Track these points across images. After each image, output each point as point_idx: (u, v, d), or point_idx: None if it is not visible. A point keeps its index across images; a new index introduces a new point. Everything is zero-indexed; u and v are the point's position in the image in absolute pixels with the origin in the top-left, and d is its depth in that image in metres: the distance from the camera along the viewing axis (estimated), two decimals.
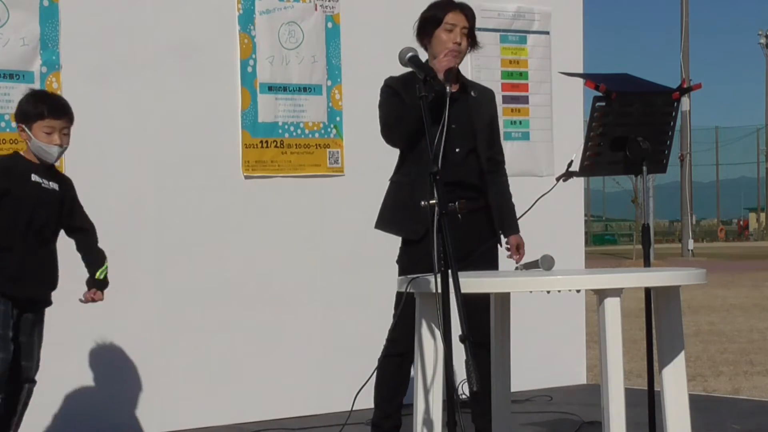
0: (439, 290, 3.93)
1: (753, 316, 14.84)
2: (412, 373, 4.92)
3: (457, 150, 5.32)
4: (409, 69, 4.80)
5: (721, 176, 78.17)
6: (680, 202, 40.46)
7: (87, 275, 5.19)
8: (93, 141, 6.56)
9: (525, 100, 8.11)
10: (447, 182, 5.24)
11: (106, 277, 5.18)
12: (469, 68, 7.53)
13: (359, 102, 7.36)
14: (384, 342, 5.16)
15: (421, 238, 5.10)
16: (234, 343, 7.01)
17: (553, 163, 7.95)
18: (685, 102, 35.14)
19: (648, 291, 5.04)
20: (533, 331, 7.73)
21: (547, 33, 8.20)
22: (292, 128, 7.21)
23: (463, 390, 6.72)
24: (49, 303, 5.19)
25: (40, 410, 5.82)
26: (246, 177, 7.09)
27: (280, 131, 7.18)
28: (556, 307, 7.71)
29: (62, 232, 5.21)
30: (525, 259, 4.92)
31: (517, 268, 4.82)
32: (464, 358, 3.73)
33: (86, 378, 6.56)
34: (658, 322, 4.48)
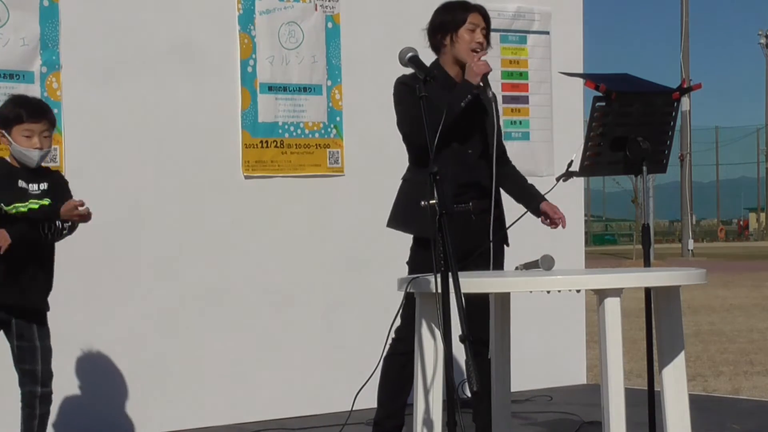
0: (439, 290, 3.93)
1: (753, 316, 14.84)
2: None
3: (469, 151, 5.35)
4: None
5: (721, 176, 78.26)
6: (680, 202, 40.47)
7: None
8: (93, 141, 6.57)
9: (525, 100, 8.11)
10: (462, 183, 5.30)
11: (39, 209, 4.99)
12: None
13: (359, 102, 7.37)
14: (385, 341, 5.15)
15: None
16: (234, 343, 7.01)
17: (553, 163, 7.95)
18: (685, 102, 35.14)
19: (648, 291, 5.04)
20: (533, 331, 7.73)
21: (547, 33, 8.20)
22: (292, 128, 7.21)
23: (463, 390, 6.74)
24: (44, 308, 5.12)
25: None
26: (246, 177, 7.08)
27: (280, 131, 7.18)
28: (556, 307, 7.72)
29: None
30: (525, 259, 4.91)
31: (517, 268, 4.81)
32: (464, 358, 3.73)
33: (86, 378, 6.55)
34: (658, 322, 4.48)
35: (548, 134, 8.14)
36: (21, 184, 5.00)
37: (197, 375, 6.90)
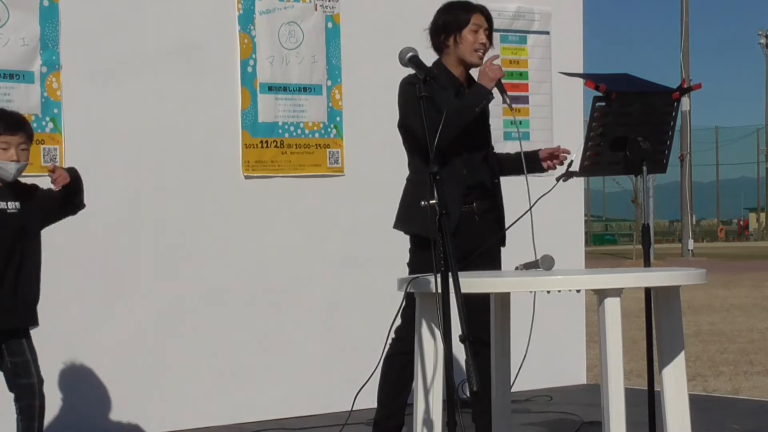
0: (439, 290, 3.93)
1: (753, 316, 14.85)
2: None
3: (475, 153, 5.38)
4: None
5: (721, 176, 78.26)
6: (680, 202, 40.47)
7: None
8: (92, 141, 6.56)
9: (525, 100, 8.10)
10: (469, 185, 5.32)
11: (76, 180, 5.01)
12: None
13: (359, 102, 7.37)
14: (385, 341, 5.15)
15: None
16: (234, 343, 7.01)
17: None
18: (685, 102, 35.15)
19: (648, 291, 5.04)
20: (533, 331, 7.71)
21: (547, 33, 8.20)
22: (292, 128, 7.21)
23: (464, 390, 6.74)
24: (33, 325, 5.00)
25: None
26: (246, 177, 7.09)
27: (280, 131, 7.18)
28: (556, 307, 7.71)
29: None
30: (525, 259, 4.91)
31: (517, 268, 4.81)
32: (464, 358, 3.73)
33: (86, 378, 6.55)
34: (658, 322, 4.48)
35: (548, 134, 8.13)
36: None
37: (197, 375, 6.90)
